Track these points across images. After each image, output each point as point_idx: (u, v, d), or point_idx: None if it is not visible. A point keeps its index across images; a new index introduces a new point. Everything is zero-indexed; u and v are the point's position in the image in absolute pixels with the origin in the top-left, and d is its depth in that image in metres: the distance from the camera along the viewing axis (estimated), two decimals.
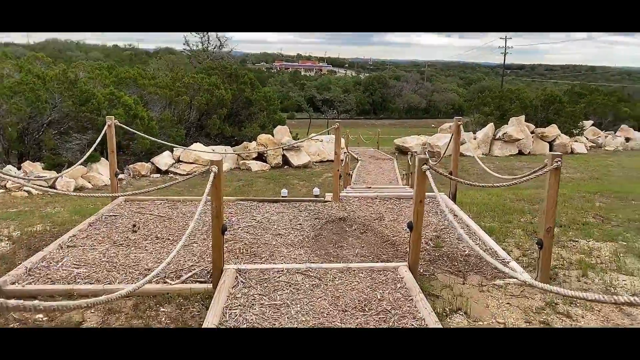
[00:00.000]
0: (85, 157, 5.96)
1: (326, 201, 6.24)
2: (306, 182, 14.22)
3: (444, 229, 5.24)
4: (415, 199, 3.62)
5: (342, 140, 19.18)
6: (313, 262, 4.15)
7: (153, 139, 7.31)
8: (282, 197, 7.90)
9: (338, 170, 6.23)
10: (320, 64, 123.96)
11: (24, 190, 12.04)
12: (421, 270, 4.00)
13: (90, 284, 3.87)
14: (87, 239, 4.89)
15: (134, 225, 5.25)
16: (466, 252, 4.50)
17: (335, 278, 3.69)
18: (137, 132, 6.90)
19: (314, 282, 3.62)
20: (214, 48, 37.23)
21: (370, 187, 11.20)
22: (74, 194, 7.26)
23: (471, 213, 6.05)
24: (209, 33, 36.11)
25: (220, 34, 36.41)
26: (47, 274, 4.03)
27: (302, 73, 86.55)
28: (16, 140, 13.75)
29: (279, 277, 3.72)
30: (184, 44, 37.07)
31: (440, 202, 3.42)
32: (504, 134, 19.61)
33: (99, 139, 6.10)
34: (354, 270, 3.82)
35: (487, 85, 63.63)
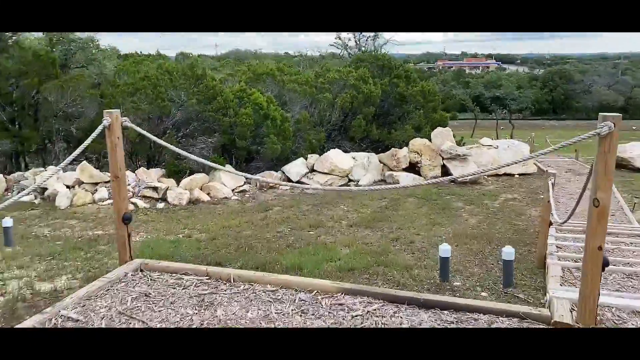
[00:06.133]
0: (68, 159, 3.10)
1: (554, 329, 2.41)
2: (476, 206, 10.10)
3: None
4: None
5: (527, 147, 14.41)
6: None
7: (175, 149, 3.98)
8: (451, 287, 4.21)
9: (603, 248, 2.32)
10: (488, 61, 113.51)
11: (130, 202, 10.37)
12: None
13: None
14: None
15: None
16: None
17: None
18: (152, 136, 3.83)
19: None
20: (370, 45, 34.00)
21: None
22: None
23: None
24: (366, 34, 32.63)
25: (376, 34, 32.76)
26: None
27: (467, 71, 79.29)
28: (139, 143, 12.39)
29: None
30: (334, 43, 34.31)
31: None
32: None
33: (88, 141, 3.21)
34: None
35: None
